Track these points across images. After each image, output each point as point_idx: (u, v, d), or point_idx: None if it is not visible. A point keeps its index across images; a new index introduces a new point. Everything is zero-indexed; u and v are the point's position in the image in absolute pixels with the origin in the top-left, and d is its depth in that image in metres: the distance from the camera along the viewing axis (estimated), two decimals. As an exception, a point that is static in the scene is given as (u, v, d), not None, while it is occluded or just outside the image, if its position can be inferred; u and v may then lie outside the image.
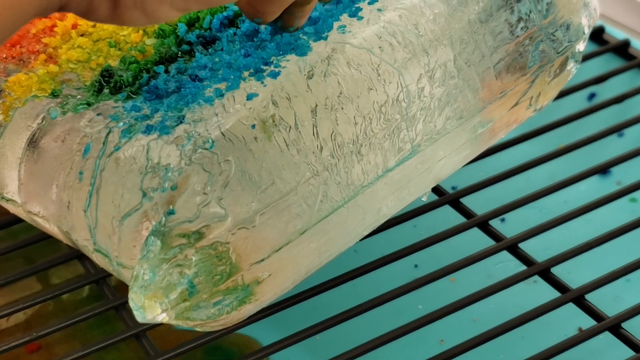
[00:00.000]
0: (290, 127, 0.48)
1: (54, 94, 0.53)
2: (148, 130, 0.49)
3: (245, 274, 0.48)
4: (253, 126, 0.48)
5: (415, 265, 0.66)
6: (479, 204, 0.65)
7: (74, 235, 0.50)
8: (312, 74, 0.50)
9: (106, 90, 0.52)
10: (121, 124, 0.49)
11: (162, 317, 0.46)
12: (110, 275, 0.58)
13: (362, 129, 0.50)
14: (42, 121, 0.52)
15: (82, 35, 0.57)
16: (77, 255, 0.60)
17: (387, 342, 0.56)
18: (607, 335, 0.56)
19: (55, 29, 0.57)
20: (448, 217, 0.66)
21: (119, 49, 0.55)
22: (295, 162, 0.48)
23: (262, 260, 0.48)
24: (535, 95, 0.57)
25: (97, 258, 0.50)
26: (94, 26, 0.57)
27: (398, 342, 0.56)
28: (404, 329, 0.55)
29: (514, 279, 0.57)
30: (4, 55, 0.57)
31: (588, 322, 0.57)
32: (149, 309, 0.46)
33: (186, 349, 0.54)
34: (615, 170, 0.70)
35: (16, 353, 0.60)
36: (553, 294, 0.59)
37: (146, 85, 0.51)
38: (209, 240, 0.46)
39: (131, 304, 0.46)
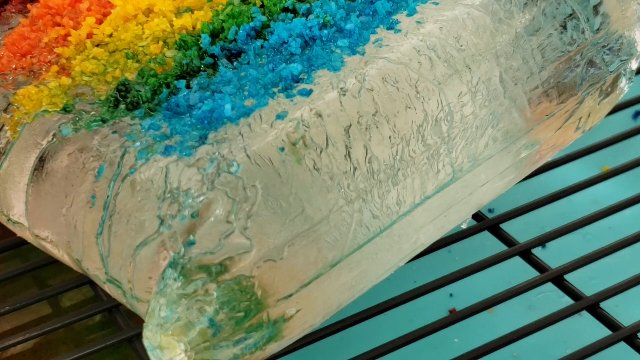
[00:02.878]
0: (322, 149, 0.44)
1: (66, 109, 0.49)
2: (167, 151, 0.44)
3: (272, 311, 0.43)
4: (282, 149, 0.44)
5: (451, 294, 0.62)
6: (518, 228, 0.61)
7: (84, 264, 0.46)
8: (346, 92, 0.45)
9: (122, 106, 0.48)
10: (138, 143, 0.45)
11: (180, 358, 0.42)
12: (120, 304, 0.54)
13: (400, 152, 0.46)
14: (53, 138, 0.48)
15: (97, 46, 0.53)
16: (89, 281, 0.56)
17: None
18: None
19: (69, 38, 0.53)
20: (484, 242, 0.62)
21: (137, 61, 0.51)
22: (327, 188, 0.44)
23: (290, 295, 0.43)
24: (585, 115, 0.53)
25: (109, 289, 0.46)
26: (110, 36, 0.52)
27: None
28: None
29: (560, 315, 0.52)
30: (13, 66, 0.53)
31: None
32: (166, 349, 0.42)
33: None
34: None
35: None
36: (600, 329, 0.54)
37: (166, 101, 0.47)
38: (232, 273, 0.42)
39: (146, 343, 0.42)
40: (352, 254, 0.45)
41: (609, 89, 0.54)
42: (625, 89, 0.55)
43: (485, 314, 0.60)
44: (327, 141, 0.44)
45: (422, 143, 0.47)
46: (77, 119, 0.48)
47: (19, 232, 0.51)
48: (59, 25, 0.55)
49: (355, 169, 0.45)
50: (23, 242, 0.58)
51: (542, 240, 0.57)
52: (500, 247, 0.59)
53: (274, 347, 0.45)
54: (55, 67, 0.52)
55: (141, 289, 0.44)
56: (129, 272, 0.44)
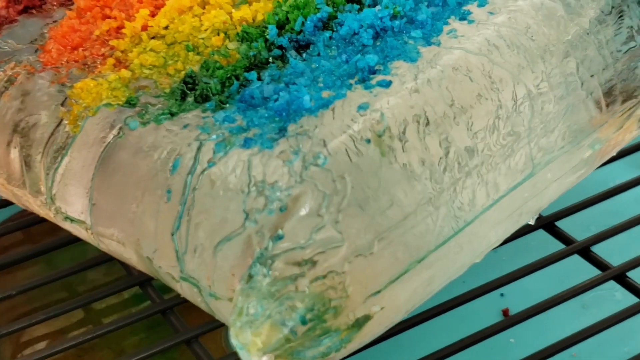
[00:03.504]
0: (407, 141, 0.43)
1: (130, 102, 0.47)
2: (247, 143, 0.43)
3: (360, 308, 0.42)
4: (368, 141, 0.42)
5: (502, 294, 0.61)
6: (566, 228, 0.60)
7: (156, 262, 0.45)
8: (427, 83, 0.44)
9: (190, 99, 0.46)
10: (214, 136, 0.44)
11: (269, 356, 0.40)
12: (175, 305, 0.53)
13: (484, 144, 0.45)
14: (119, 132, 0.46)
15: (153, 38, 0.51)
16: (135, 283, 0.54)
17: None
18: None
19: (123, 30, 0.52)
20: (530, 242, 0.61)
21: (198, 53, 0.49)
22: (414, 181, 0.42)
23: (379, 292, 0.42)
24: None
25: (182, 287, 0.45)
26: (166, 28, 0.51)
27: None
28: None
29: (624, 314, 0.51)
30: (65, 60, 0.51)
31: None
32: (256, 347, 0.40)
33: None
34: None
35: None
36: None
37: (237, 93, 0.46)
38: (324, 269, 0.41)
39: (234, 341, 0.40)
40: (437, 249, 0.44)
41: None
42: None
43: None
44: (411, 133, 0.43)
45: (504, 135, 0.45)
46: (143, 112, 0.47)
47: (75, 231, 0.50)
48: (109, 17, 0.53)
49: (440, 162, 0.43)
50: (48, 249, 0.56)
51: (601, 238, 0.56)
52: (547, 246, 0.58)
53: (353, 347, 0.44)
54: (111, 60, 0.50)
55: (222, 287, 0.42)
56: (209, 270, 0.42)
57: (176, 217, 0.43)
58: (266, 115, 0.44)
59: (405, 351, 0.55)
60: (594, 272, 0.56)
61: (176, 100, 0.47)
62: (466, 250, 0.46)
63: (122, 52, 0.51)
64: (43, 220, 0.54)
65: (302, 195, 0.41)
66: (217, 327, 0.52)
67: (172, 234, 0.43)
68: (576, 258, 0.56)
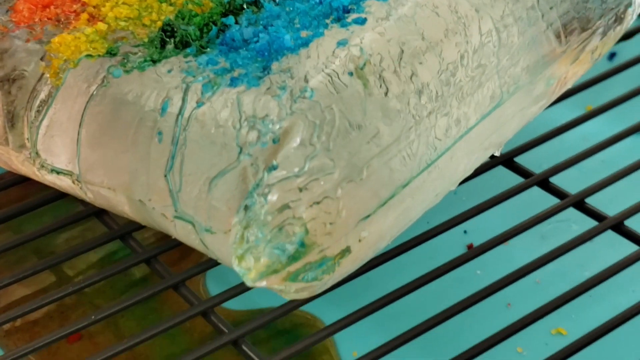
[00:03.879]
0: (386, 74, 0.45)
1: (111, 53, 0.48)
2: (233, 83, 0.45)
3: (351, 232, 0.44)
4: (350, 73, 0.44)
5: (465, 231, 0.63)
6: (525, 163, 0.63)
7: (149, 203, 0.46)
8: (399, 19, 0.46)
9: (170, 46, 0.48)
10: (200, 78, 0.45)
11: (271, 280, 0.42)
12: (159, 253, 0.54)
13: (455, 76, 0.47)
14: (103, 81, 0.48)
15: (124, -7, 0.52)
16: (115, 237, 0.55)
17: (457, 313, 0.52)
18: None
19: (92, -13, 0.53)
20: (487, 181, 0.64)
21: (170, 4, 0.51)
22: (396, 110, 0.45)
23: (368, 216, 0.44)
24: (601, 45, 0.55)
25: (176, 227, 0.46)
26: (136, -17, 0.52)
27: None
28: (472, 299, 0.52)
29: (580, 239, 0.54)
30: (38, 18, 0.52)
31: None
32: (258, 271, 0.42)
33: (260, 323, 0.50)
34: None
35: (55, 345, 0.55)
36: (623, 247, 0.56)
37: (216, 38, 0.47)
38: (318, 195, 0.43)
39: (237, 268, 0.42)
40: (419, 175, 0.46)
41: (622, 16, 0.56)
42: (633, 17, 0.58)
43: (502, 247, 0.62)
44: (390, 65, 0.45)
45: (473, 68, 0.48)
46: (125, 61, 0.48)
47: (59, 183, 0.51)
48: (76, -25, 0.54)
49: (417, 93, 0.46)
50: (15, 214, 0.57)
51: (559, 169, 0.59)
52: (507, 183, 0.61)
53: (343, 270, 0.46)
54: (84, 15, 0.51)
55: (218, 221, 0.44)
56: (204, 205, 0.44)
57: (169, 157, 0.45)
58: (249, 56, 0.46)
59: (376, 287, 0.57)
60: (553, 203, 0.59)
61: (156, 48, 0.48)
62: (443, 177, 0.48)
63: (94, 7, 0.52)
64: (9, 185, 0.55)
65: (293, 126, 0.43)
66: (201, 272, 0.54)
67: (166, 175, 0.45)
68: (536, 190, 0.59)
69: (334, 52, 0.45)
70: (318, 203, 0.43)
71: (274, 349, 0.56)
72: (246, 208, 0.42)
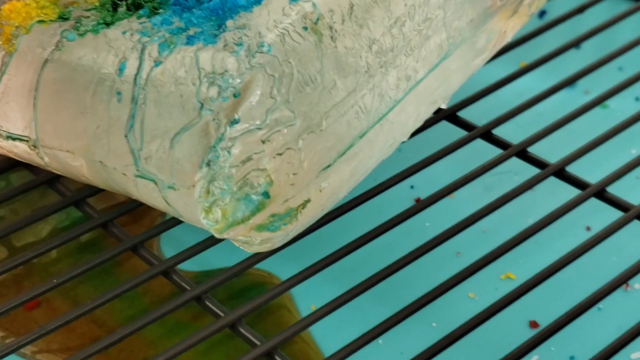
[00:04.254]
0: (339, 27, 0.46)
1: (63, 17, 0.49)
2: (190, 41, 0.45)
3: (313, 182, 0.45)
4: (305, 28, 0.45)
5: (412, 187, 0.65)
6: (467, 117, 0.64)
7: (110, 164, 0.47)
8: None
9: (122, 9, 0.48)
10: (155, 38, 0.46)
11: (237, 231, 0.43)
12: (115, 217, 0.55)
13: (407, 27, 0.48)
14: (57, 46, 0.48)
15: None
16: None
17: (409, 262, 0.54)
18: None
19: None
20: (429, 137, 0.65)
21: (119, -31, 0.51)
22: (350, 63, 0.46)
23: (329, 166, 0.45)
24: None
25: (137, 187, 0.47)
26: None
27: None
28: (422, 249, 0.54)
29: (523, 187, 0.56)
30: (-17, -13, 0.52)
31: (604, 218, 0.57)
32: (226, 223, 0.43)
33: (221, 280, 0.51)
34: (580, 81, 0.70)
35: (13, 313, 0.56)
36: (567, 192, 0.58)
37: (168, -1, 0.48)
38: (281, 146, 0.44)
39: (205, 221, 0.43)
40: (374, 125, 0.48)
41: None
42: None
43: (448, 199, 0.64)
44: (341, 20, 0.47)
45: (421, 21, 0.49)
46: (78, 24, 0.48)
47: (15, 150, 0.51)
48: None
49: (371, 44, 0.47)
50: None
51: (500, 121, 0.61)
52: (451, 137, 0.62)
53: (303, 221, 0.47)
54: (33, -17, 0.52)
55: (181, 177, 0.45)
56: (167, 162, 0.45)
57: (129, 116, 0.46)
58: (203, 15, 0.47)
59: (328, 243, 0.58)
60: (496, 154, 0.60)
61: (108, 11, 0.49)
62: (396, 128, 0.49)
63: (42, -26, 0.52)
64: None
65: (253, 80, 0.44)
66: (159, 233, 0.54)
67: (126, 134, 0.46)
68: (479, 143, 0.61)
69: (286, 8, 0.46)
70: (280, 154, 0.44)
71: (234, 307, 0.57)
72: (210, 162, 0.43)
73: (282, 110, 0.44)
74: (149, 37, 0.46)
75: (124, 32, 0.47)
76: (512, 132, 0.64)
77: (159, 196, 0.46)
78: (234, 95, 0.44)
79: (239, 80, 0.44)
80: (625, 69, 0.73)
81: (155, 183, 0.46)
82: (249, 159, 0.43)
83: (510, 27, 0.56)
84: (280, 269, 0.59)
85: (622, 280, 0.51)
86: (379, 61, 0.47)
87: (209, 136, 0.43)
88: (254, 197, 0.43)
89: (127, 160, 0.46)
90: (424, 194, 0.65)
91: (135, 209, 0.56)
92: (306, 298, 0.59)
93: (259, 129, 0.43)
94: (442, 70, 0.51)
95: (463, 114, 0.64)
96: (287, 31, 0.45)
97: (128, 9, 0.48)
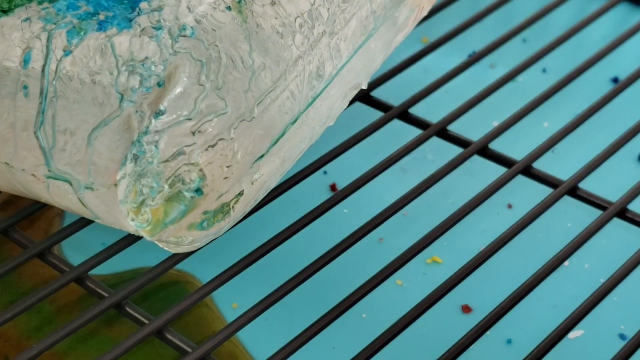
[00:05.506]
0: (264, 7, 0.43)
1: (-47, 6, 0.44)
2: (102, 26, 0.41)
3: (247, 174, 0.42)
4: (228, 8, 0.42)
5: (325, 172, 0.62)
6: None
7: (17, 165, 0.42)
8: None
9: (20, -6, 0.44)
10: (62, 25, 0.42)
11: (169, 232, 0.40)
12: (16, 222, 0.50)
13: (327, 7, 0.45)
14: (-51, 37, 0.43)
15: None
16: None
17: (334, 257, 0.51)
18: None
19: None
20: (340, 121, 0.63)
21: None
22: (280, 43, 0.43)
23: (262, 156, 0.42)
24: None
25: (49, 189, 0.43)
26: None
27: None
28: (347, 243, 0.51)
29: (455, 162, 0.54)
30: None
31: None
32: (157, 225, 0.39)
33: (139, 284, 0.47)
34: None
35: None
36: (478, 174, 0.57)
37: (72, -19, 0.44)
38: (213, 137, 0.40)
39: (132, 223, 0.40)
40: (306, 109, 0.44)
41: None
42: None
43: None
44: (265, -2, 0.43)
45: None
46: (-28, 13, 0.44)
47: None
48: None
49: (301, 22, 0.44)
50: None
51: (417, 99, 0.58)
52: (365, 120, 0.60)
53: (235, 215, 0.44)
54: None
55: (100, 176, 0.41)
56: (84, 160, 0.41)
57: (38, 111, 0.41)
58: (111, -3, 0.43)
59: (245, 238, 0.55)
60: (414, 134, 0.58)
61: (4, -3, 0.44)
62: (323, 112, 0.46)
63: None
64: None
65: (179, 66, 0.40)
66: (68, 236, 0.50)
67: (36, 132, 0.41)
68: (395, 123, 0.59)
69: (206, -13, 0.43)
70: (213, 146, 0.40)
71: (151, 310, 0.54)
72: (135, 158, 0.39)
73: (211, 97, 0.40)
74: (54, 23, 0.42)
75: (25, 20, 0.43)
76: (424, 111, 0.62)
77: (74, 198, 0.42)
78: (158, 84, 0.40)
79: (162, 68, 0.40)
80: (529, 40, 0.72)
81: (70, 184, 0.42)
82: (179, 152, 0.40)
83: (427, 1, 0.54)
84: (194, 266, 0.56)
85: (559, 261, 0.49)
86: (307, 41, 0.44)
87: (131, 130, 0.40)
88: (186, 194, 0.40)
89: (37, 160, 0.42)
90: (337, 179, 0.62)
91: (36, 211, 0.51)
92: (225, 295, 0.55)
93: (188, 119, 0.40)
94: (366, 49, 0.48)
95: (376, 93, 0.61)
96: (209, 13, 0.42)
97: (27, -7, 0.44)
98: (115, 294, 0.47)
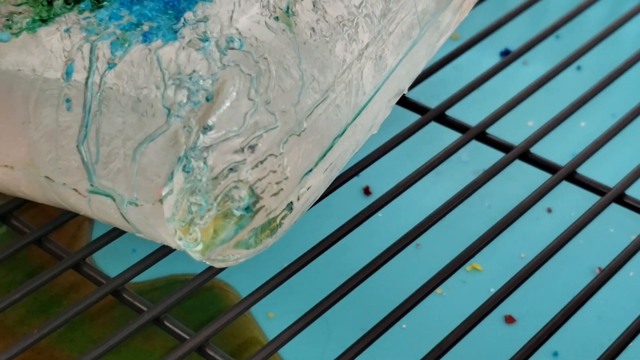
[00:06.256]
0: (311, 15, 0.42)
1: (-10, 14, 0.43)
2: (146, 38, 0.40)
3: (296, 189, 0.41)
4: (276, 18, 0.41)
5: (357, 175, 0.61)
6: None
7: (58, 179, 0.41)
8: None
9: (59, 2, 0.43)
10: (105, 36, 0.41)
11: (218, 251, 0.38)
12: (49, 232, 0.49)
13: (383, 9, 0.44)
14: (-12, 47, 0.42)
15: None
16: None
17: (374, 271, 0.49)
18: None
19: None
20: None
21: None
22: (328, 53, 0.41)
23: (311, 170, 0.41)
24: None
25: (90, 203, 0.42)
26: None
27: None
28: (388, 254, 0.49)
29: (496, 169, 0.53)
30: None
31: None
32: (208, 244, 0.38)
33: (179, 297, 0.46)
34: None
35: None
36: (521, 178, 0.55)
37: (113, -11, 0.42)
38: (263, 153, 0.39)
39: (180, 242, 0.38)
40: (354, 121, 0.43)
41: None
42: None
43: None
44: (311, 6, 0.42)
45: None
46: (10, 22, 0.42)
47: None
48: None
49: (345, 32, 0.43)
50: None
51: (454, 101, 0.57)
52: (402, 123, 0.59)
53: (282, 231, 0.43)
54: (-54, -26, 0.45)
55: (145, 191, 0.40)
56: (128, 175, 0.40)
57: (81, 125, 0.40)
58: (156, 7, 0.42)
59: (278, 246, 0.54)
60: (448, 135, 0.57)
61: (43, 5, 0.43)
62: (369, 122, 0.45)
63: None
64: None
65: (227, 80, 0.39)
66: (102, 247, 0.49)
67: (79, 144, 0.40)
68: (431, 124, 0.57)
69: (252, -4, 0.41)
70: (262, 162, 0.39)
71: (187, 319, 0.53)
72: (183, 174, 0.38)
73: (261, 112, 0.39)
74: (97, 34, 0.41)
75: (66, 30, 0.41)
76: (458, 111, 0.61)
77: (117, 213, 0.41)
78: (206, 99, 0.39)
79: (210, 82, 0.39)
80: (562, 36, 0.70)
81: (113, 199, 0.41)
82: (228, 169, 0.38)
83: (467, 4, 0.52)
84: (226, 272, 0.54)
85: (611, 272, 0.48)
86: (354, 51, 0.43)
87: (178, 145, 0.38)
88: (236, 212, 0.38)
89: (79, 174, 0.41)
90: (370, 182, 0.61)
91: (69, 219, 0.50)
92: (262, 304, 0.54)
93: (238, 135, 0.38)
94: (411, 56, 0.47)
95: (410, 94, 0.60)
96: (258, 23, 0.40)
97: (66, 2, 0.43)
98: (154, 308, 0.46)
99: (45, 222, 0.49)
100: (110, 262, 0.57)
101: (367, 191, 0.59)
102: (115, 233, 0.49)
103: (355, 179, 0.61)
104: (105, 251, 0.57)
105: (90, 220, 0.59)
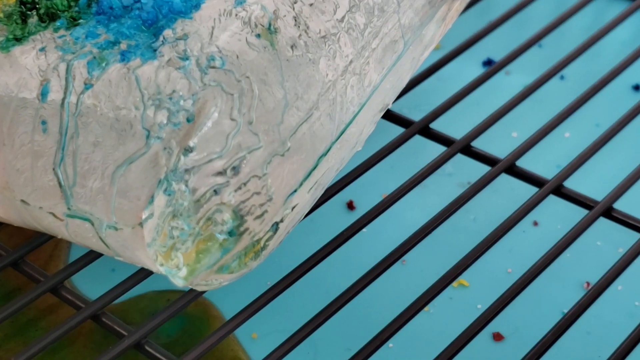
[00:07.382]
0: (293, 31, 0.40)
1: (-38, 33, 0.41)
2: (124, 57, 0.39)
3: (280, 210, 0.40)
4: (258, 35, 0.39)
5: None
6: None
7: (34, 202, 0.40)
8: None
9: (33, 20, 0.41)
10: (81, 55, 0.39)
11: (201, 277, 0.37)
12: (25, 254, 0.48)
13: (367, 23, 0.43)
14: (-40, 68, 0.41)
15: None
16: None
17: (359, 291, 0.48)
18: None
19: None
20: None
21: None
22: (312, 71, 0.40)
23: (296, 191, 0.40)
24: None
25: (67, 227, 0.40)
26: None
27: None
28: (375, 273, 0.48)
29: (482, 183, 0.52)
30: None
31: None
32: (191, 270, 0.37)
33: (159, 321, 0.45)
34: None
35: None
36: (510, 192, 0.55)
37: (89, 7, 0.41)
38: (246, 175, 0.38)
39: (161, 268, 0.37)
40: (338, 139, 0.42)
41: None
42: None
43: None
44: (297, 21, 0.41)
45: (379, 12, 0.44)
46: (-17, 41, 0.41)
47: None
48: None
49: (333, 48, 0.41)
50: None
51: (438, 113, 0.56)
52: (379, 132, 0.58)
53: (266, 253, 0.42)
54: None
55: (124, 215, 0.39)
56: (107, 198, 0.39)
57: (58, 148, 0.39)
58: (135, 25, 0.40)
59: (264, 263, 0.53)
60: (432, 147, 0.56)
61: (17, 23, 0.42)
62: (353, 139, 0.44)
63: None
64: None
65: (209, 100, 0.38)
66: (78, 270, 0.48)
67: (56, 167, 0.39)
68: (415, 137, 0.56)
69: (231, 12, 0.40)
70: (246, 184, 0.38)
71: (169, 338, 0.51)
72: (164, 197, 0.37)
73: (244, 133, 0.38)
74: (73, 53, 0.40)
75: (41, 49, 0.40)
76: (442, 123, 0.60)
77: (95, 237, 0.40)
78: (187, 120, 0.37)
79: (191, 102, 0.37)
80: (545, 45, 0.70)
81: (92, 223, 0.39)
82: (210, 193, 0.37)
83: (451, 16, 0.51)
84: (209, 292, 0.53)
85: (601, 289, 0.47)
86: (338, 67, 0.42)
87: (158, 168, 0.37)
88: (219, 236, 0.37)
89: (56, 198, 0.39)
90: (354, 196, 0.60)
91: (47, 241, 0.49)
92: (245, 325, 0.53)
93: (219, 157, 0.37)
94: (395, 70, 0.46)
95: (393, 106, 0.59)
96: (239, 40, 0.39)
97: (41, 19, 0.41)
98: (135, 333, 0.45)
99: (22, 244, 0.48)
100: (89, 282, 0.56)
101: (350, 206, 0.58)
102: (94, 255, 0.48)
103: (339, 193, 0.60)
104: (83, 271, 0.56)
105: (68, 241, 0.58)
